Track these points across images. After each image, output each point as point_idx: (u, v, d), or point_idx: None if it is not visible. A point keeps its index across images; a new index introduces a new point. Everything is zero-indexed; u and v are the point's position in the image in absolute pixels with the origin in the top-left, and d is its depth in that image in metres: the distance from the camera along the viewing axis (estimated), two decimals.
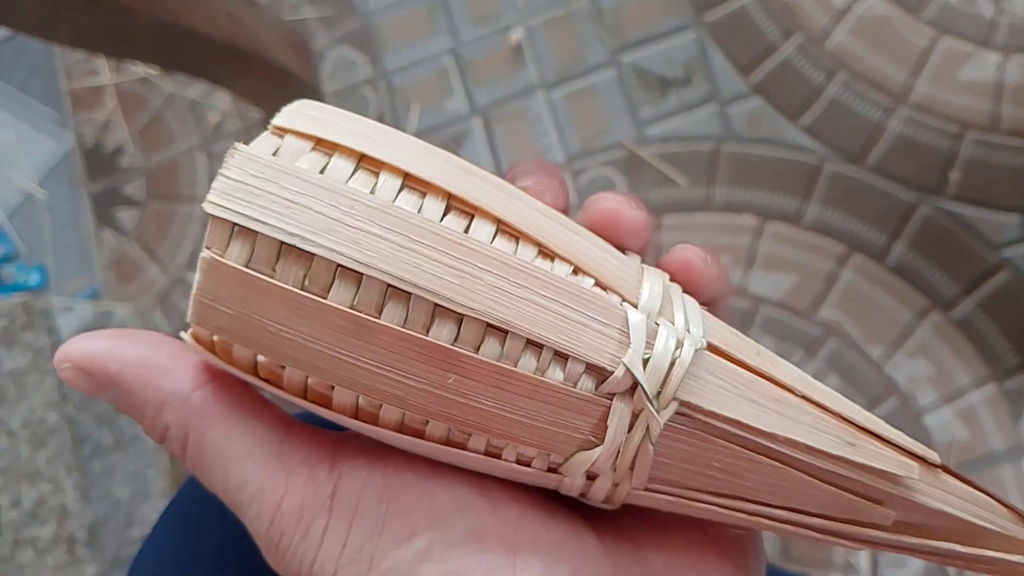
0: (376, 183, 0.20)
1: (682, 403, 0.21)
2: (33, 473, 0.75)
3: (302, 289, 0.20)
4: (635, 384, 0.21)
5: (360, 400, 0.21)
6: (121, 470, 0.81)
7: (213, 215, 0.20)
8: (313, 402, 0.22)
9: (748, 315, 0.95)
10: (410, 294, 0.20)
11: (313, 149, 0.21)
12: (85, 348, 0.22)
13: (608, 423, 0.21)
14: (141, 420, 0.23)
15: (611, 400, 0.21)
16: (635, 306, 0.22)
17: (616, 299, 0.22)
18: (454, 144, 1.04)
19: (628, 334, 0.21)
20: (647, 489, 0.23)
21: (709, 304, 0.26)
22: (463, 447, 0.22)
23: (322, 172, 0.20)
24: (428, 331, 0.20)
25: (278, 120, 0.21)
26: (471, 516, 0.22)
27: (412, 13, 1.10)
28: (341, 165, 0.21)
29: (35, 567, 0.74)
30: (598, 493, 0.23)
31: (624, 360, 0.21)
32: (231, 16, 0.81)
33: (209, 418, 0.22)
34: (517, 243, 0.21)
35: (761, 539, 0.27)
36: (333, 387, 0.21)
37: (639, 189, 1.00)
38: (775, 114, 1.00)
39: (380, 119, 0.24)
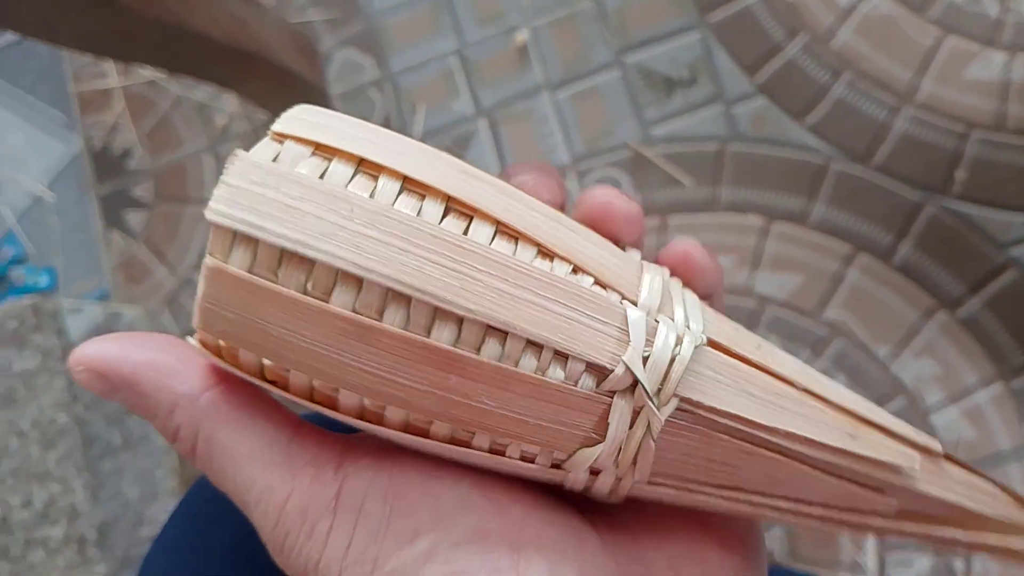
0: (375, 187, 0.21)
1: (682, 399, 0.22)
2: (43, 474, 0.75)
3: (304, 293, 0.20)
4: (635, 382, 0.21)
5: (365, 401, 0.21)
6: (130, 470, 0.81)
7: (215, 222, 0.20)
8: (319, 404, 0.22)
9: (754, 315, 0.95)
10: (410, 297, 0.20)
11: (313, 154, 0.21)
12: (98, 351, 0.23)
13: (609, 420, 0.22)
14: (153, 421, 0.23)
15: (612, 398, 0.21)
16: (635, 303, 0.22)
17: (616, 297, 0.22)
18: (460, 145, 1.04)
19: (628, 332, 0.21)
20: (650, 483, 0.23)
21: (704, 299, 0.26)
22: (468, 445, 0.22)
23: (322, 177, 0.20)
24: (429, 333, 0.20)
25: (278, 126, 0.21)
26: (474, 516, 0.22)
27: (417, 15, 1.10)
28: (340, 169, 0.21)
29: (46, 567, 0.74)
30: (602, 488, 0.23)
31: (624, 358, 0.21)
32: (237, 19, 0.82)
33: (218, 419, 0.22)
34: (516, 243, 0.21)
35: (762, 532, 0.27)
36: (338, 389, 0.21)
37: (644, 189, 1.00)
38: (780, 114, 1.00)
39: (386, 120, 0.24)
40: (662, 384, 0.21)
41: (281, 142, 0.21)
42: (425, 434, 0.22)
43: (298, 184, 0.20)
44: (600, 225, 0.25)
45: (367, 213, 0.20)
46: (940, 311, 0.92)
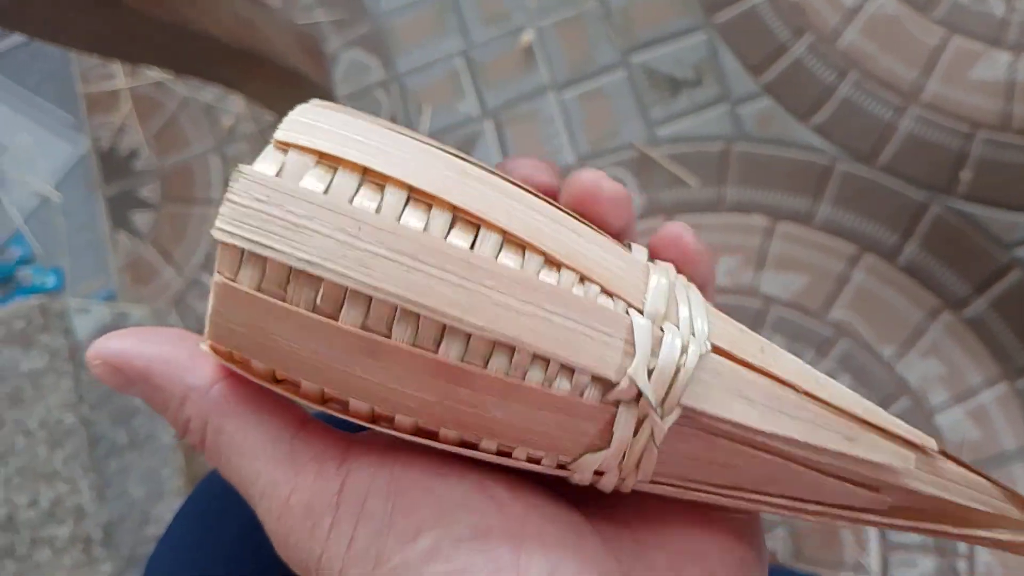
0: (381, 200, 0.21)
1: (685, 408, 0.22)
2: (50, 473, 0.76)
3: (313, 310, 0.20)
4: (640, 392, 0.21)
5: (376, 408, 0.22)
6: (136, 469, 0.82)
7: (222, 241, 0.20)
8: (330, 408, 0.22)
9: (759, 315, 0.95)
10: (419, 314, 0.20)
11: (318, 163, 0.21)
12: (114, 346, 0.23)
13: (614, 429, 0.22)
14: (165, 413, 0.24)
15: (617, 407, 0.22)
16: (640, 310, 0.22)
17: (622, 306, 0.22)
18: (466, 146, 1.04)
19: (634, 342, 0.21)
20: (652, 481, 0.24)
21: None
22: (475, 447, 0.22)
23: (327, 191, 0.20)
24: (438, 347, 0.20)
25: (280, 134, 0.21)
26: (476, 513, 0.22)
27: (423, 16, 1.10)
28: (345, 181, 0.21)
29: (52, 566, 0.74)
30: (606, 485, 0.24)
31: (629, 372, 0.21)
32: (244, 20, 0.82)
33: (226, 411, 0.23)
34: (523, 253, 0.21)
35: (762, 526, 0.27)
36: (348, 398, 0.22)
37: (650, 190, 1.00)
38: (786, 114, 1.00)
39: (392, 121, 0.24)
40: (666, 394, 0.22)
41: (285, 151, 0.21)
42: (435, 436, 0.22)
43: (303, 201, 0.20)
44: (587, 208, 0.25)
45: (374, 231, 0.20)
46: (945, 311, 0.92)
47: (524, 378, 0.21)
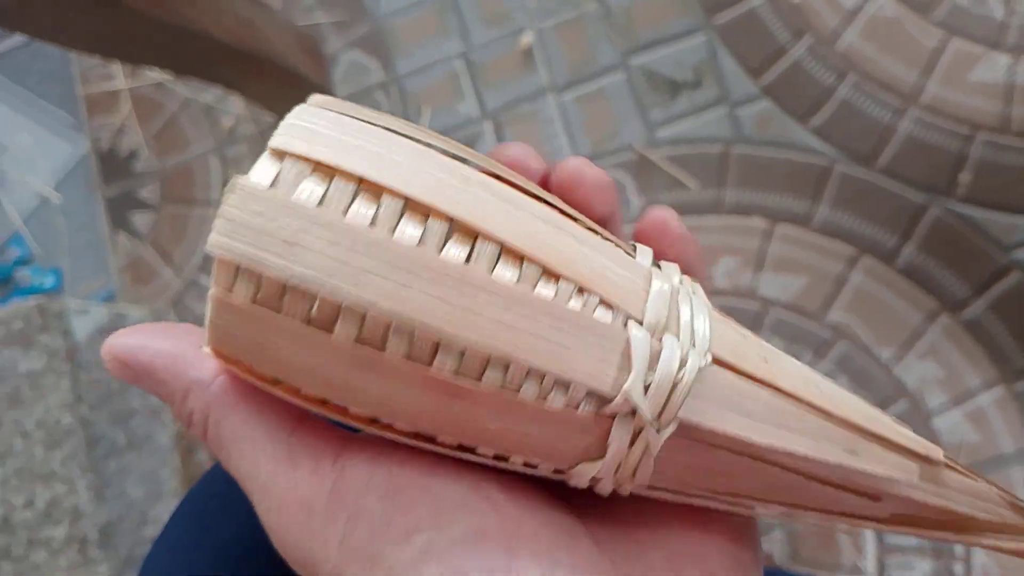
0: (377, 211, 0.20)
1: (683, 421, 0.22)
2: (47, 474, 0.76)
3: (308, 323, 0.20)
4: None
5: (373, 414, 0.22)
6: (134, 470, 0.82)
7: (217, 255, 0.20)
8: (330, 412, 0.22)
9: (758, 317, 0.95)
10: (413, 329, 0.20)
11: (313, 172, 0.20)
12: (124, 342, 0.24)
13: (609, 442, 0.22)
14: (172, 407, 0.24)
15: (612, 420, 0.22)
16: (640, 322, 0.22)
17: (621, 317, 0.22)
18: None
19: (631, 357, 0.21)
20: (650, 487, 0.24)
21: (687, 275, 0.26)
22: (473, 451, 0.22)
23: (322, 202, 0.20)
24: (432, 361, 0.20)
25: (276, 140, 0.21)
26: (472, 515, 0.22)
27: (423, 17, 1.10)
28: (340, 193, 0.20)
29: (49, 567, 0.74)
30: (603, 490, 0.24)
31: (625, 387, 0.21)
32: (244, 21, 0.82)
33: (227, 405, 0.23)
34: (521, 264, 0.21)
35: (758, 527, 0.27)
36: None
37: (649, 192, 1.00)
38: (785, 116, 1.00)
39: None
40: (663, 408, 0.21)
41: (281, 158, 0.21)
42: (432, 440, 0.22)
43: (297, 216, 0.20)
44: (571, 195, 0.25)
45: (368, 247, 0.20)
46: (943, 314, 0.92)
47: (519, 392, 0.21)
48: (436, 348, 0.20)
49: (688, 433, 0.22)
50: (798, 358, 0.25)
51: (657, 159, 1.01)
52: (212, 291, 0.20)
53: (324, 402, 0.22)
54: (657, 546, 0.24)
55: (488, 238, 0.21)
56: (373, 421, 0.22)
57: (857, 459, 0.23)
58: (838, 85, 0.99)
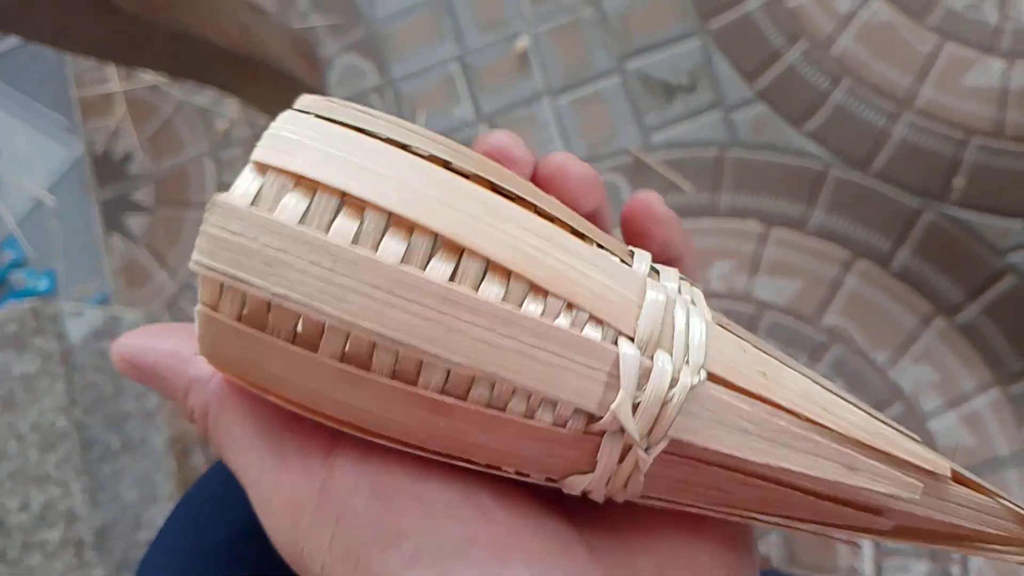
0: (360, 228, 0.20)
1: (673, 439, 0.21)
2: (42, 477, 0.75)
3: (294, 341, 0.20)
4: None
5: (362, 425, 0.22)
6: (129, 474, 0.81)
7: (200, 274, 0.20)
8: (321, 419, 0.22)
9: (753, 320, 0.95)
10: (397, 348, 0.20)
11: (296, 187, 0.20)
12: (130, 342, 0.25)
13: (598, 457, 0.22)
14: (175, 404, 0.25)
15: (601, 437, 0.21)
16: (631, 338, 0.21)
17: (611, 334, 0.21)
18: None
19: (619, 375, 0.21)
20: (642, 498, 0.23)
21: (675, 264, 0.26)
22: (465, 460, 0.22)
23: (303, 218, 0.20)
24: (418, 377, 0.20)
25: (258, 153, 0.20)
26: (461, 521, 0.22)
27: (419, 21, 1.10)
28: (323, 208, 0.20)
29: (44, 570, 0.74)
30: (596, 498, 0.23)
31: (612, 407, 0.21)
32: (240, 24, 0.82)
33: (223, 402, 0.24)
34: (508, 280, 0.21)
35: (754, 531, 0.27)
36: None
37: None
38: (780, 120, 1.00)
39: None
40: (652, 427, 0.21)
41: (263, 172, 0.20)
42: (424, 448, 0.22)
43: (278, 235, 0.19)
44: (556, 190, 0.24)
45: (349, 265, 0.19)
46: (938, 317, 0.92)
47: (505, 409, 0.21)
48: (421, 364, 0.20)
49: (680, 450, 0.22)
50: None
51: (652, 163, 1.01)
52: (198, 308, 0.20)
53: (313, 411, 0.22)
54: (649, 551, 0.24)
55: (474, 254, 0.20)
56: (363, 430, 0.22)
57: (856, 476, 0.22)
58: (833, 90, 1.00)
